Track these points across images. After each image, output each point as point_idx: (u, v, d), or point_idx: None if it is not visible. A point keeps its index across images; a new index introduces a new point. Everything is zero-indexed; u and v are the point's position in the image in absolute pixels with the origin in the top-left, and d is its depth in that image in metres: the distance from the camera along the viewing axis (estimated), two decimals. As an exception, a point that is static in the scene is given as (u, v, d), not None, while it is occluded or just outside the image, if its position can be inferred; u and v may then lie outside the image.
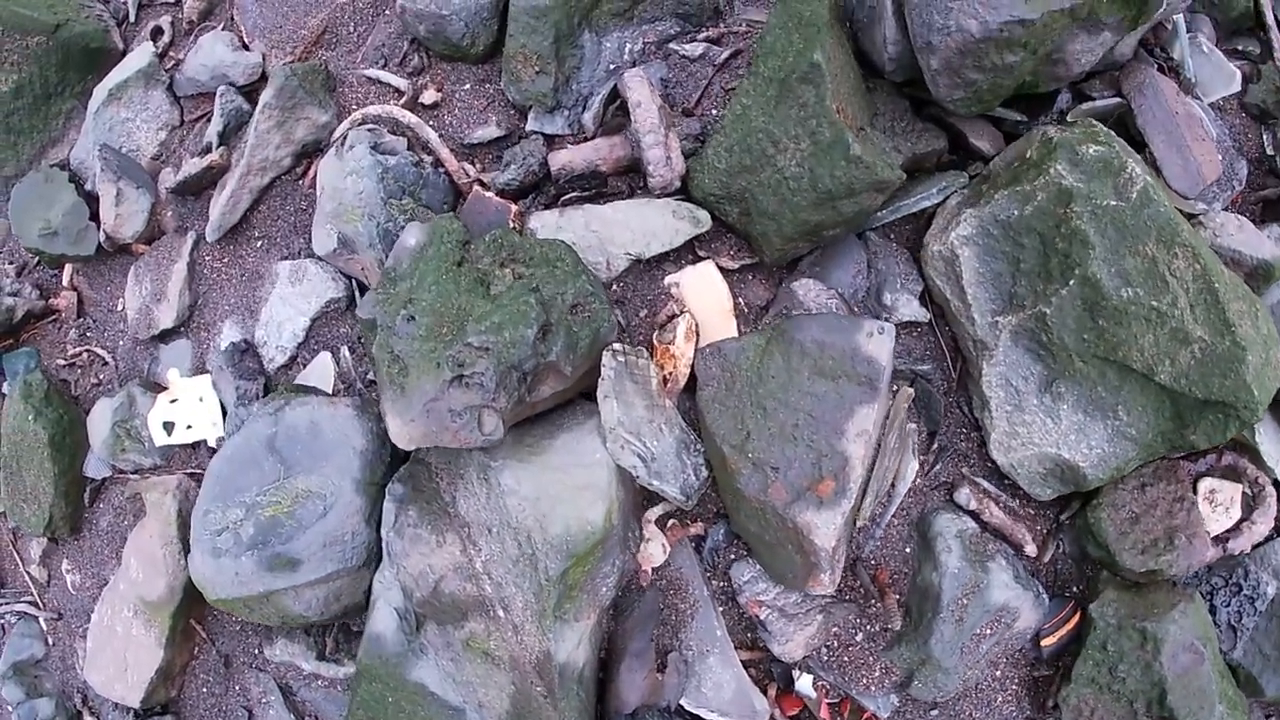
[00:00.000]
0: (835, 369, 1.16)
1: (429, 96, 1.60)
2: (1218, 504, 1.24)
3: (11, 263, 2.10)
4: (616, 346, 1.24)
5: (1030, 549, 1.26)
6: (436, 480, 1.24)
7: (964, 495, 1.24)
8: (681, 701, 1.18)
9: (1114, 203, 1.13)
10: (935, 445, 1.29)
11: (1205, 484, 1.25)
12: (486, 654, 1.11)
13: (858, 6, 1.34)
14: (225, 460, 1.28)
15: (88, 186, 1.91)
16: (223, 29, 1.90)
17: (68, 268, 2.00)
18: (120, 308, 1.86)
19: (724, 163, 1.32)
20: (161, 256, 1.79)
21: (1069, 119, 1.31)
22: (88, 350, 1.85)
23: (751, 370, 1.22)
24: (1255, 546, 1.23)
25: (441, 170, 1.51)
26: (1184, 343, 1.09)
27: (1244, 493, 1.23)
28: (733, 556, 1.27)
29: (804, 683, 1.22)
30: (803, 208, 1.22)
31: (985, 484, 1.25)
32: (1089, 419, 1.17)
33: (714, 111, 1.48)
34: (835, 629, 1.24)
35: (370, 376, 1.50)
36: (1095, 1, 1.11)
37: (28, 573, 1.92)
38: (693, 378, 1.28)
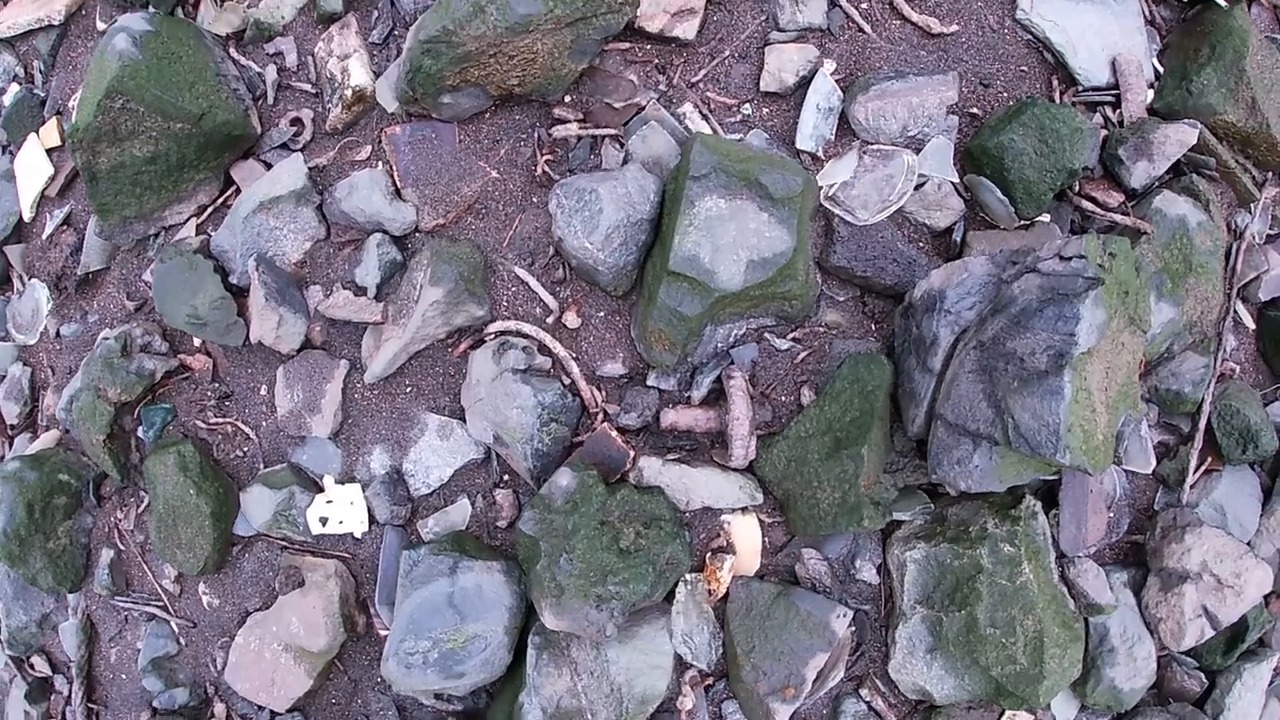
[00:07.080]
0: (812, 628, 2.16)
1: (571, 320, 2.26)
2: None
3: (130, 298, 2.61)
4: (689, 578, 2.17)
5: (896, 728, 2.43)
6: (559, 634, 2.20)
7: (866, 690, 2.34)
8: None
9: (1004, 583, 2.06)
10: (860, 651, 2.38)
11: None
12: (578, 745, 2.17)
13: (905, 377, 2.13)
14: (417, 606, 2.10)
15: (233, 279, 2.42)
16: (374, 160, 2.36)
17: (200, 335, 2.54)
18: (263, 393, 2.48)
19: (782, 465, 2.16)
20: (313, 370, 2.41)
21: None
22: (233, 425, 2.51)
23: (764, 607, 2.19)
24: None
25: (577, 396, 2.25)
26: (1012, 662, 2.10)
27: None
28: (724, 698, 2.35)
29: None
30: (824, 525, 2.10)
31: (880, 685, 2.37)
32: (947, 674, 2.18)
33: (783, 398, 2.29)
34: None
35: (499, 524, 2.33)
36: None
37: (160, 585, 2.62)
38: (725, 593, 2.27)
